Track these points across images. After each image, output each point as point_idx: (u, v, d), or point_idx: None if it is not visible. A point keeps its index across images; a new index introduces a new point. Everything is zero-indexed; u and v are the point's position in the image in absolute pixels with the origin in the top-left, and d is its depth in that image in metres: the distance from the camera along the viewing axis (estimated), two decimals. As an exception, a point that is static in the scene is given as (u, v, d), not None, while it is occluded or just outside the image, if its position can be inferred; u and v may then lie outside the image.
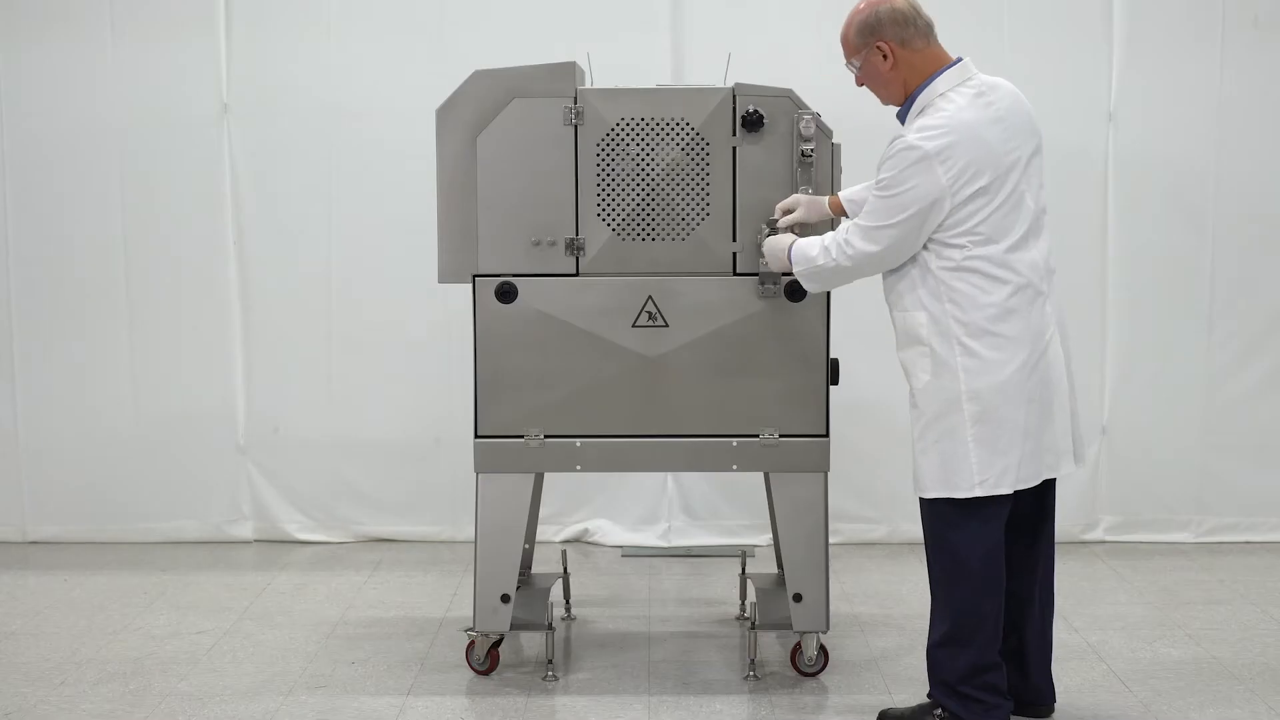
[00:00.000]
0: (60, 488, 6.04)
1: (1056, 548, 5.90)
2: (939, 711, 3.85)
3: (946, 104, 3.64)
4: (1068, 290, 5.76)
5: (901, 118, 3.78)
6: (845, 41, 3.80)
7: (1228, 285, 5.88)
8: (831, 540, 4.28)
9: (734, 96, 4.16)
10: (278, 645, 4.71)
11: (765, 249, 4.03)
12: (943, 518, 3.72)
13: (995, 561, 3.72)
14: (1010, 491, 3.65)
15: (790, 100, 4.15)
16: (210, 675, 4.42)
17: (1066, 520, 5.94)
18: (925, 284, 3.66)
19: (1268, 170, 5.85)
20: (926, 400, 3.68)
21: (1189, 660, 4.52)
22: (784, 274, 4.02)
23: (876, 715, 3.99)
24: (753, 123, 4.13)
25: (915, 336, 3.69)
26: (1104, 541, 5.96)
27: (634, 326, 4.18)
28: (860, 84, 3.87)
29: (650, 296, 4.17)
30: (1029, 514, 3.84)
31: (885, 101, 3.87)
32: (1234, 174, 5.84)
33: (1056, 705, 4.10)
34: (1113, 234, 5.87)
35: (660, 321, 4.18)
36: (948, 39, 5.77)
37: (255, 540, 6.05)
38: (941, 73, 3.70)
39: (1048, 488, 3.84)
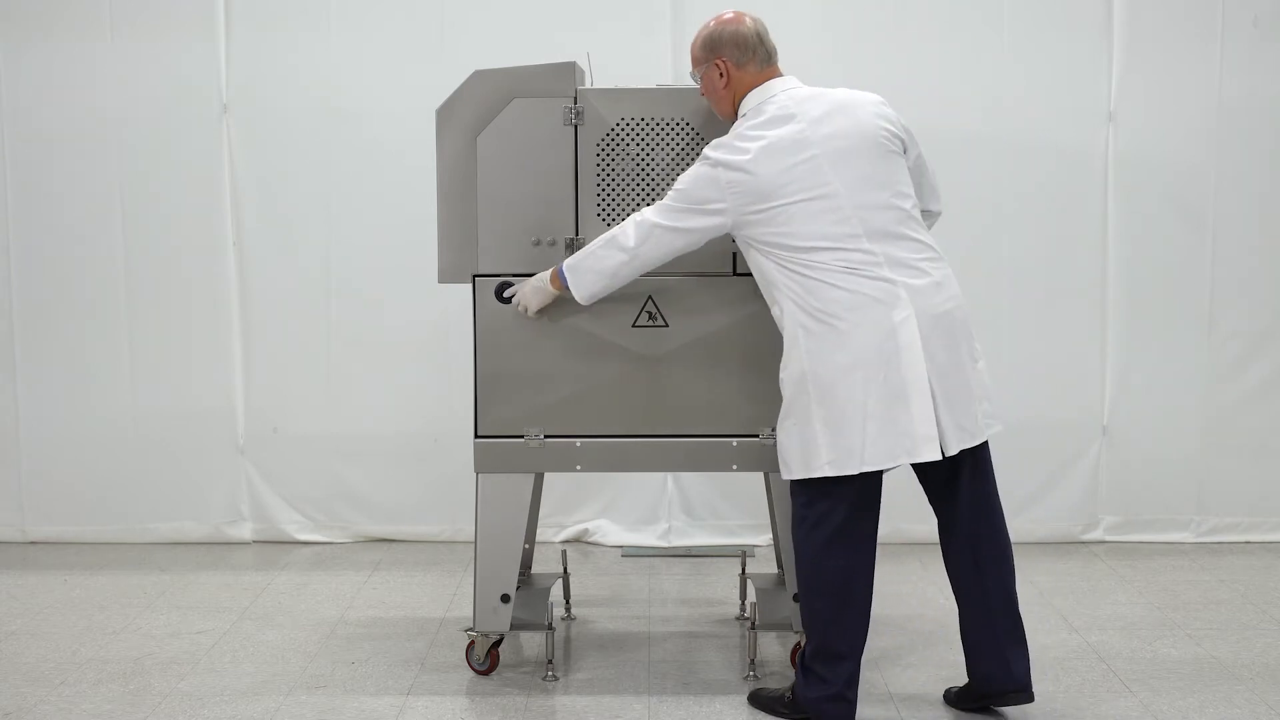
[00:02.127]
0: (60, 488, 6.04)
1: (1056, 548, 5.93)
2: (789, 694, 4.00)
3: (746, 122, 3.85)
4: (1068, 291, 5.84)
5: None
6: (692, 52, 4.01)
7: (1228, 285, 5.88)
8: (831, 540, 4.27)
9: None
10: (278, 645, 4.71)
11: (521, 297, 4.12)
12: (798, 498, 3.86)
13: (842, 544, 3.79)
14: (854, 473, 3.72)
15: (790, 100, 4.15)
16: (210, 675, 4.42)
17: (1066, 520, 5.97)
18: (775, 280, 3.80)
19: (1268, 170, 5.85)
20: (785, 387, 3.84)
21: (1189, 660, 4.52)
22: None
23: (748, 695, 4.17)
24: (752, 123, 4.13)
25: (781, 327, 3.85)
26: (1104, 541, 5.96)
27: (634, 326, 4.18)
28: (703, 94, 4.04)
29: (650, 297, 4.17)
30: (939, 499, 3.93)
31: (720, 115, 4.04)
32: (1234, 174, 5.83)
33: (1057, 706, 4.10)
34: (1113, 234, 5.86)
35: (660, 321, 4.18)
36: (948, 39, 5.83)
37: (255, 541, 6.05)
38: (750, 92, 3.90)
39: (960, 474, 3.86)
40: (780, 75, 3.93)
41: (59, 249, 5.95)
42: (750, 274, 4.15)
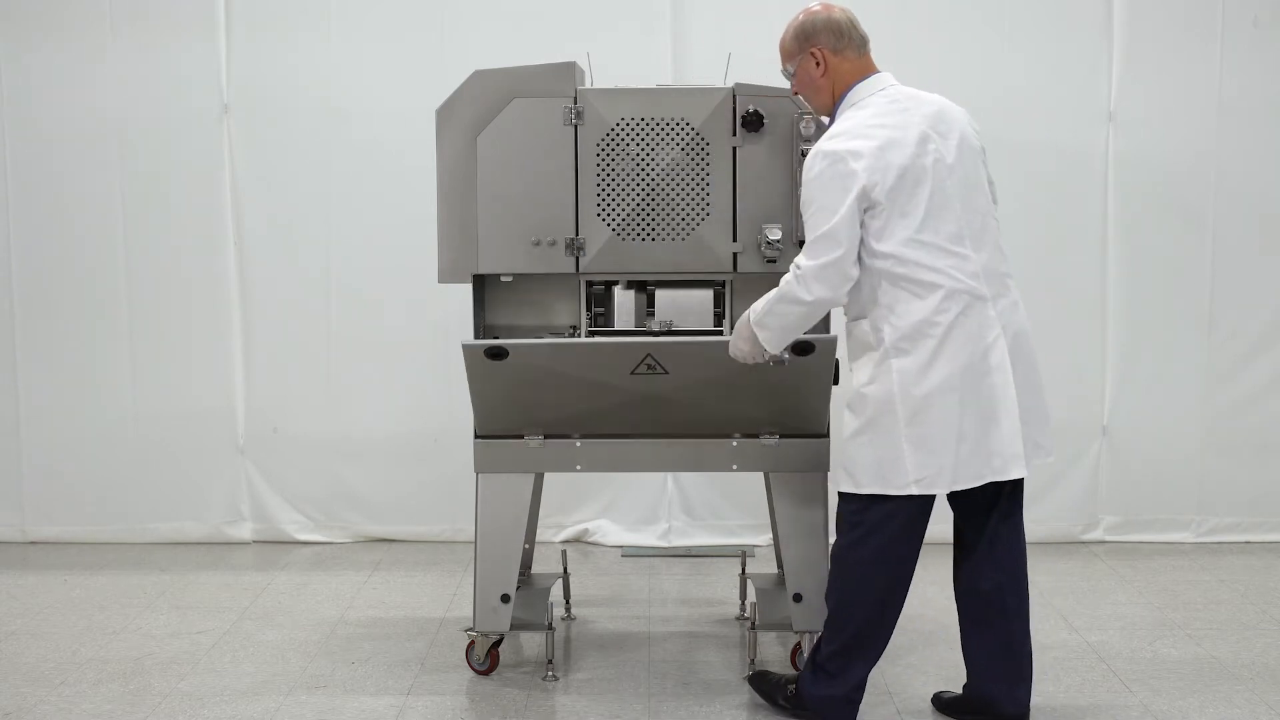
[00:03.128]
0: (60, 488, 6.04)
1: (1056, 548, 5.93)
2: (792, 687, 3.96)
3: (859, 111, 3.73)
4: (1068, 291, 5.84)
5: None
6: (783, 47, 3.88)
7: (1228, 285, 5.88)
8: (831, 540, 4.27)
9: (734, 96, 4.16)
10: (278, 645, 4.71)
11: (734, 345, 3.86)
12: (850, 504, 3.77)
13: (892, 553, 3.75)
14: (932, 493, 3.68)
15: (790, 100, 4.15)
16: (210, 675, 4.42)
17: (1066, 520, 5.97)
18: (863, 292, 3.70)
19: (1268, 170, 5.85)
20: (864, 403, 3.72)
21: (1189, 660, 4.52)
22: (762, 359, 3.87)
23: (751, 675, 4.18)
24: (753, 123, 4.13)
25: (861, 343, 3.76)
26: (1104, 541, 5.96)
27: (632, 374, 4.10)
28: (795, 92, 3.93)
29: (649, 354, 4.06)
30: (972, 519, 3.86)
31: (817, 110, 3.94)
32: (1234, 174, 5.83)
33: (1057, 706, 4.10)
34: (1113, 234, 5.87)
35: (659, 370, 4.10)
36: (948, 39, 5.83)
37: (255, 541, 6.05)
38: (860, 81, 3.79)
39: (1001, 491, 3.81)
40: (877, 69, 3.83)
41: (59, 249, 5.95)
42: (753, 272, 4.15)
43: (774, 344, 3.79)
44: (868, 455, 3.71)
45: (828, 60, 3.79)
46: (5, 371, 5.99)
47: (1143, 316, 5.90)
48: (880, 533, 3.74)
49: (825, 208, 3.63)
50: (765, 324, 3.76)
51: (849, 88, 3.79)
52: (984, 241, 3.71)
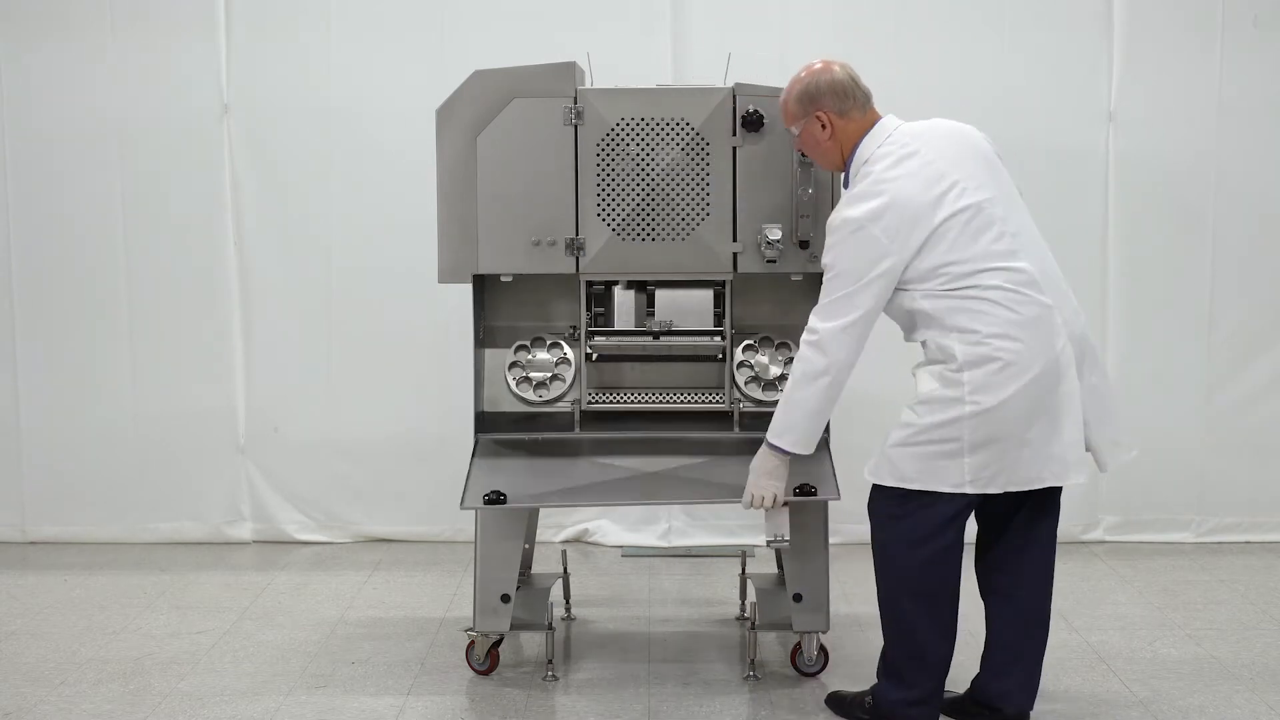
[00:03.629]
0: (60, 488, 6.04)
1: (1057, 548, 5.90)
2: (869, 698, 3.94)
3: (873, 167, 3.69)
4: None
5: (846, 182, 3.81)
6: (785, 109, 3.84)
7: (1228, 285, 5.88)
8: (831, 540, 4.28)
9: (734, 96, 4.16)
10: (278, 645, 4.71)
11: (755, 487, 3.86)
12: (892, 496, 3.73)
13: (941, 544, 3.71)
14: (985, 492, 3.65)
15: (790, 100, 4.15)
16: (210, 675, 4.42)
17: (1066, 520, 5.89)
18: (929, 317, 3.66)
19: (1268, 170, 5.85)
20: (929, 408, 3.67)
21: (1189, 660, 4.52)
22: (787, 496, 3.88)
23: (826, 696, 4.13)
24: (753, 123, 4.13)
25: (930, 357, 3.71)
26: (1104, 541, 5.96)
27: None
28: (799, 149, 3.92)
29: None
30: (1015, 517, 3.84)
31: (825, 168, 3.94)
32: (1234, 174, 5.84)
33: (1058, 706, 4.10)
34: (1113, 234, 5.87)
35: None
36: (948, 39, 5.82)
37: (255, 541, 6.05)
38: (866, 136, 3.75)
39: (1032, 495, 3.79)
40: (880, 116, 3.80)
41: (59, 249, 5.95)
42: (759, 276, 4.15)
43: (805, 445, 3.75)
44: (921, 453, 3.66)
45: (834, 123, 3.76)
46: (5, 371, 5.99)
47: (1143, 316, 5.90)
48: (927, 524, 3.70)
49: (846, 273, 3.62)
50: (789, 426, 3.73)
51: (856, 145, 3.76)
52: (1033, 250, 3.69)
